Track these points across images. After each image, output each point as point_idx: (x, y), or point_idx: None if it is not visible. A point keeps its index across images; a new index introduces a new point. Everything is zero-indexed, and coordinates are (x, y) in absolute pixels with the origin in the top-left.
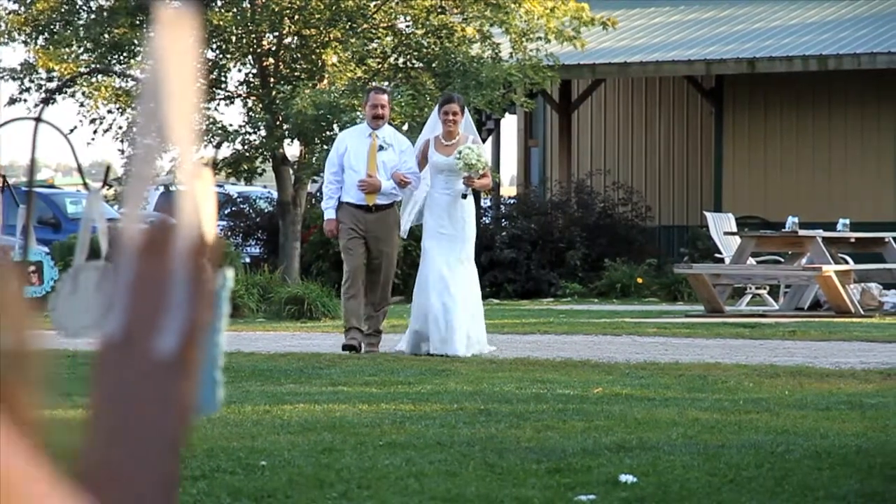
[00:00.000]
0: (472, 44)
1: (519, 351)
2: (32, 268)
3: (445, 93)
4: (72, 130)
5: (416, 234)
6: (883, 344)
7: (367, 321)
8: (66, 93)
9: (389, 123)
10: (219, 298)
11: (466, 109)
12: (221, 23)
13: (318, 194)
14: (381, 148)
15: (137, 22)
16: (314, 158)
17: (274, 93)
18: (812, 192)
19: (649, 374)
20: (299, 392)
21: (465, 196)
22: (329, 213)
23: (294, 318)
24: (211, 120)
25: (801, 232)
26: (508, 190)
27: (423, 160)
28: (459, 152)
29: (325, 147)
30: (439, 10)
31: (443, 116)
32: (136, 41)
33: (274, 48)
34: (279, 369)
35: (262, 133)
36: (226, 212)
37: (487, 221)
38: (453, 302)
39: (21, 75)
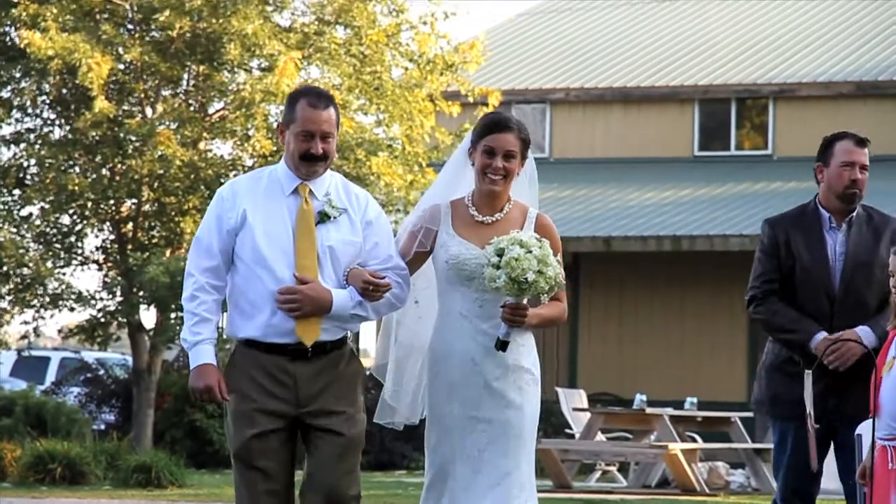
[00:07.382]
0: None
1: None
2: None
3: (490, 114)
4: None
5: None
6: None
7: None
8: None
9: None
10: None
11: (531, 156)
12: (78, 188)
13: (179, 355)
14: (323, 218)
15: None
16: (171, 324)
17: (130, 259)
18: (664, 370)
19: None
20: None
21: (501, 345)
22: (203, 354)
23: (141, 486)
24: (66, 285)
25: (649, 410)
26: (367, 361)
27: (414, 248)
28: (499, 250)
29: (181, 314)
30: None
31: (482, 160)
32: None
33: (133, 214)
34: None
35: (118, 299)
36: (81, 378)
37: None
38: None
39: None
